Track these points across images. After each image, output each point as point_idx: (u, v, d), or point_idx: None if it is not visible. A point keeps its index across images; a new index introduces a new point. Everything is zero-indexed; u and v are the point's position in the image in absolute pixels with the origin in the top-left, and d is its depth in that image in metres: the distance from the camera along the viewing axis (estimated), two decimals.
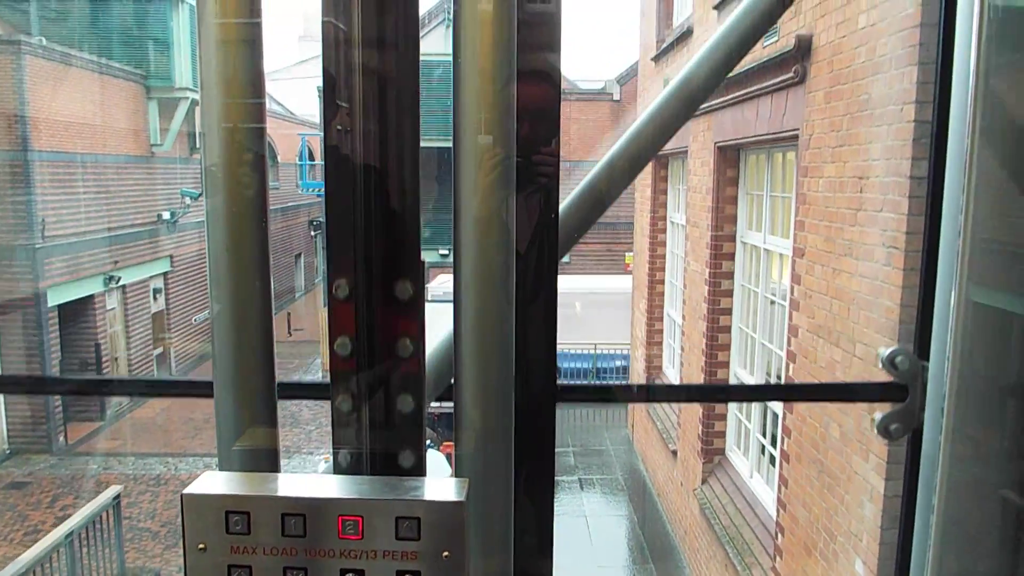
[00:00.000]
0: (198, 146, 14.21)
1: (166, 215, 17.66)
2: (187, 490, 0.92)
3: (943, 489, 1.25)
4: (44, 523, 11.54)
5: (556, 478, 1.28)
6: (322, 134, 1.03)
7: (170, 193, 17.79)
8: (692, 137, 7.66)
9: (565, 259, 1.40)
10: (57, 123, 14.14)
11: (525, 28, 1.02)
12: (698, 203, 7.51)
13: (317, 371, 19.12)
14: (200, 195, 18.92)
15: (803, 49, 4.76)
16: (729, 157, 6.78)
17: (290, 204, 25.41)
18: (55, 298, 13.99)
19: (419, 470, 1.08)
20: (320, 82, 1.01)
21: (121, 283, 15.86)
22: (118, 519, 7.66)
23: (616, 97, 20.55)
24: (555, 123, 1.10)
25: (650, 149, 1.39)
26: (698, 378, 7.57)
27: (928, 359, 1.31)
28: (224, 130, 1.00)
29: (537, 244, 1.12)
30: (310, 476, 0.98)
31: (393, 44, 1.00)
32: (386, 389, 1.07)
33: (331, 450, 1.10)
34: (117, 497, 7.43)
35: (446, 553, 0.89)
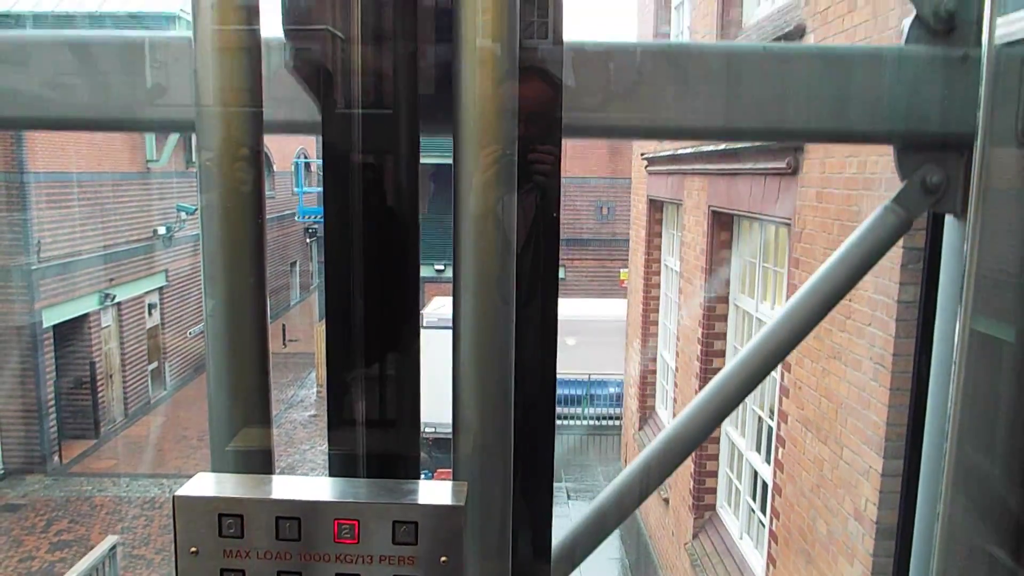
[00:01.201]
0: (194, 159, 14.24)
1: (162, 230, 17.68)
2: (179, 492, 0.90)
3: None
4: (38, 549, 11.58)
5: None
6: (320, 134, 1.02)
7: (166, 208, 17.80)
8: (687, 192, 7.72)
9: (560, 275, 1.39)
10: (54, 143, 14.14)
11: (527, 22, 1.00)
12: (691, 260, 7.57)
13: (312, 385, 19.16)
14: (196, 210, 18.98)
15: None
16: (723, 220, 6.84)
17: (286, 212, 25.38)
18: (51, 318, 14.01)
19: (415, 473, 1.08)
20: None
21: (116, 300, 15.89)
22: (114, 572, 7.69)
23: None
24: (556, 121, 1.10)
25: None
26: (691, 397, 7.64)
27: None
28: (220, 126, 0.98)
29: (535, 243, 1.11)
30: (305, 478, 0.97)
31: (391, 42, 1.00)
32: (382, 391, 1.07)
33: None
34: (113, 548, 7.47)
35: (444, 558, 0.87)
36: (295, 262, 27.73)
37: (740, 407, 6.78)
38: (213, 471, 1.03)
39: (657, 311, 9.79)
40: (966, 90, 1.22)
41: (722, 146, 6.24)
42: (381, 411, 1.07)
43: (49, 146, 14.01)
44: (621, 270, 18.37)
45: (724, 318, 7.05)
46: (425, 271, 16.54)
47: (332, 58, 1.01)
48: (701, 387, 7.15)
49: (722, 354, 7.11)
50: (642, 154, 9.76)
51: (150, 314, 17.64)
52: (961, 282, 1.25)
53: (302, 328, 23.93)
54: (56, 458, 14.25)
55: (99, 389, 15.36)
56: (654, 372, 9.93)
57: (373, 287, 1.04)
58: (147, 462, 14.77)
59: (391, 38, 1.01)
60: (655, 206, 9.52)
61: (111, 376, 16.03)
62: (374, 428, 1.07)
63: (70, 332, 14.85)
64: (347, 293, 1.05)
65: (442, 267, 19.62)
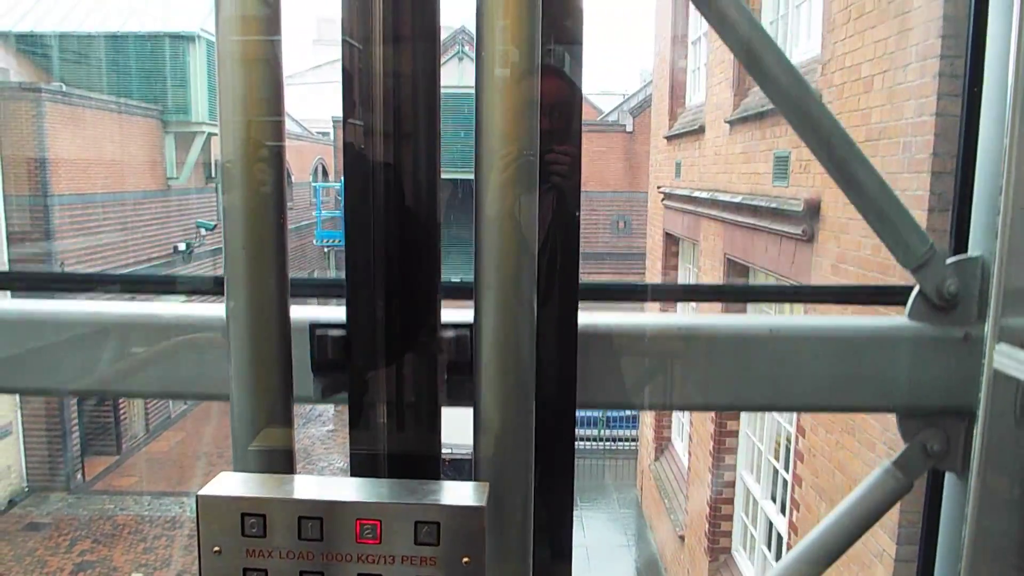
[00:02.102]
0: (214, 176, 14.32)
1: (182, 246, 17.86)
2: (202, 491, 0.90)
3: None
4: (62, 570, 11.79)
5: None
6: (341, 131, 1.03)
7: (186, 224, 18.00)
8: (703, 235, 7.74)
9: None
10: (76, 166, 14.34)
11: (548, 24, 1.00)
12: (708, 306, 7.60)
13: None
14: (215, 226, 19.10)
15: (811, 211, 4.84)
16: (739, 270, 6.87)
17: (303, 222, 25.56)
18: None
19: (435, 474, 1.08)
20: (336, 86, 1.03)
21: None
22: None
23: (629, 128, 20.55)
24: (575, 121, 1.10)
25: None
26: (705, 466, 7.68)
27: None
28: (242, 130, 0.98)
29: (552, 243, 1.10)
30: (327, 478, 0.98)
31: (412, 42, 1.00)
32: (403, 391, 1.07)
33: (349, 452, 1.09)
34: None
35: (466, 559, 0.87)
36: (313, 272, 27.89)
37: (755, 454, 6.81)
38: (235, 471, 1.03)
39: None
40: (967, 367, 1.27)
41: (739, 198, 6.27)
42: (402, 412, 1.07)
43: (72, 169, 14.21)
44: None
45: None
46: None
47: (351, 61, 1.01)
48: (716, 430, 7.19)
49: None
50: (659, 187, 9.78)
51: None
52: (960, 540, 1.30)
53: None
54: (79, 475, 14.47)
55: (121, 406, 15.56)
56: None
57: (393, 288, 1.05)
58: (168, 479, 14.95)
59: (411, 40, 1.01)
60: (671, 239, 9.54)
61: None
62: (395, 429, 1.07)
63: None
64: (368, 294, 1.05)
65: (458, 280, 19.77)
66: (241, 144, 0.98)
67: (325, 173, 27.24)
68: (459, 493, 0.91)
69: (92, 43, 16.42)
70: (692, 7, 9.10)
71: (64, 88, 13.98)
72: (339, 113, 1.02)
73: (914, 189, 3.67)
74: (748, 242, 6.22)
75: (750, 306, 6.35)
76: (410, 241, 1.04)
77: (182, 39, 16.72)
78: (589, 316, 1.26)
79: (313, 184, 21.03)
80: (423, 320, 1.07)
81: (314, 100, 29.71)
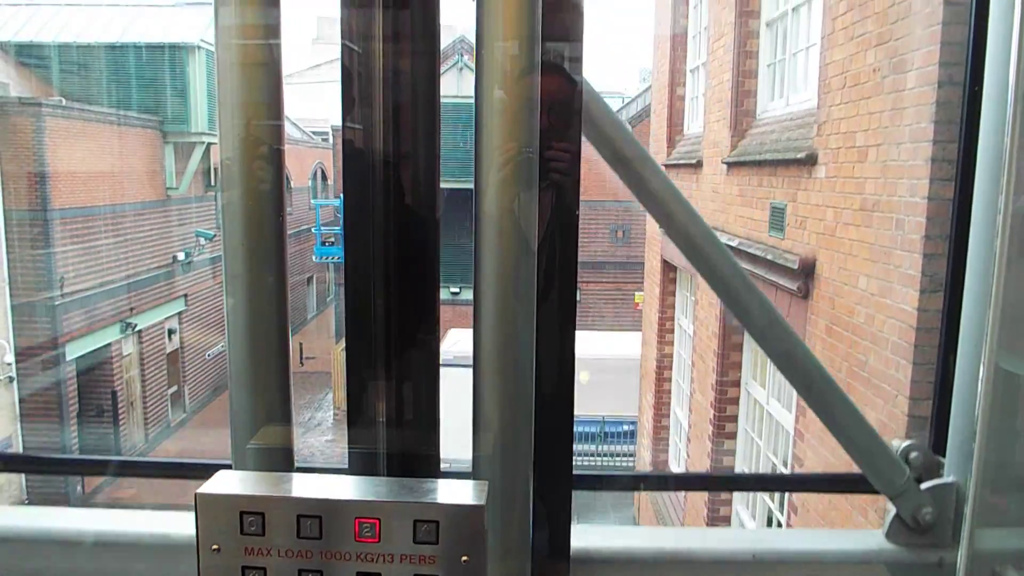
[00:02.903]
0: (213, 184, 14.33)
1: (181, 256, 17.91)
2: (201, 489, 0.90)
3: None
4: None
5: None
6: (340, 133, 1.02)
7: (185, 234, 18.04)
8: None
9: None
10: (76, 179, 14.37)
11: (548, 21, 1.00)
12: (704, 339, 7.66)
13: (329, 407, 19.38)
14: (214, 236, 19.03)
15: (807, 269, 4.89)
16: None
17: (303, 228, 25.60)
18: (74, 352, 14.27)
19: (435, 472, 1.08)
20: (335, 86, 1.01)
21: (137, 328, 16.14)
22: None
23: None
24: (574, 119, 1.10)
25: None
26: (700, 500, 7.75)
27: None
28: (240, 125, 0.98)
29: (551, 242, 1.09)
30: (325, 476, 0.97)
31: (411, 40, 1.01)
32: (401, 390, 1.07)
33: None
34: None
35: (465, 558, 0.87)
36: (311, 276, 27.93)
37: (752, 496, 6.87)
38: (234, 469, 1.03)
39: (671, 368, 9.88)
40: None
41: (736, 241, 6.32)
42: (401, 410, 1.07)
43: (72, 182, 14.24)
44: (636, 293, 18.45)
45: (736, 401, 7.14)
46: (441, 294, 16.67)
47: (351, 61, 1.01)
48: (713, 467, 7.25)
49: (733, 436, 7.20)
50: None
51: (170, 339, 17.88)
52: None
53: (319, 344, 24.12)
54: (79, 488, 14.54)
55: (120, 417, 15.63)
56: (667, 428, 10.02)
57: (392, 286, 1.05)
58: (166, 492, 14.99)
59: (410, 38, 1.02)
60: (668, 267, 9.59)
61: (132, 403, 16.30)
62: (394, 427, 1.07)
63: (92, 363, 15.10)
64: (367, 292, 1.05)
65: (457, 290, 19.80)
66: (240, 142, 0.99)
67: (324, 177, 27.29)
68: (458, 492, 0.90)
69: (92, 53, 16.42)
70: (691, 37, 9.10)
71: (64, 102, 13.99)
72: (338, 115, 1.03)
73: (906, 267, 3.73)
74: None
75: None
76: (409, 239, 1.04)
77: (181, 49, 16.72)
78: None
79: (312, 201, 21.06)
80: (422, 318, 1.07)
81: (313, 100, 29.71)
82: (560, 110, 1.07)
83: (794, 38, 5.98)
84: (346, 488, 0.92)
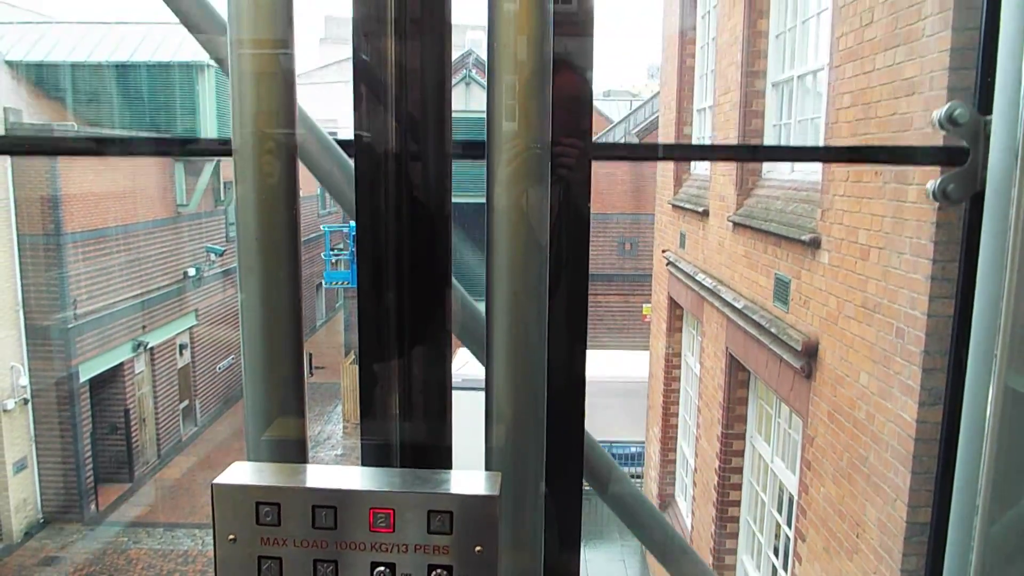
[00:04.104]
0: (223, 199, 14.44)
1: (191, 271, 18.08)
2: (217, 480, 0.91)
3: (1013, 255, 1.23)
4: None
5: None
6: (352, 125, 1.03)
7: (196, 250, 18.21)
8: (706, 316, 7.87)
9: None
10: (88, 202, 14.52)
11: (559, 16, 1.01)
12: (710, 388, 7.74)
13: (339, 420, 19.54)
14: (224, 252, 19.13)
15: (810, 351, 4.97)
16: (740, 368, 7.00)
17: (312, 236, 25.76)
18: (87, 372, 14.45)
19: (447, 463, 1.09)
20: (343, 86, 1.05)
21: (149, 346, 16.33)
22: None
23: None
24: (584, 113, 1.10)
25: None
26: (707, 531, 7.85)
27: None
28: (251, 116, 0.99)
29: (561, 235, 1.10)
30: (340, 467, 0.97)
31: (422, 34, 1.01)
32: (414, 380, 1.08)
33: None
34: None
35: (478, 548, 0.88)
36: (320, 284, 28.09)
37: (755, 542, 6.98)
38: (249, 460, 1.04)
39: (677, 404, 9.97)
40: None
41: (741, 303, 6.40)
42: (413, 401, 1.08)
43: (84, 205, 14.39)
44: (644, 305, 18.54)
45: (740, 454, 7.22)
46: None
47: (362, 55, 1.02)
48: (718, 517, 7.35)
49: (738, 487, 7.30)
50: (664, 251, 9.90)
51: (181, 354, 18.08)
52: None
53: (329, 353, 24.30)
54: (93, 506, 14.75)
55: (133, 434, 15.83)
56: (673, 462, 10.12)
57: (404, 278, 1.06)
58: (180, 509, 15.22)
59: (421, 33, 1.02)
60: (675, 304, 9.67)
61: (144, 420, 16.50)
62: (407, 419, 1.08)
63: (105, 383, 15.30)
64: (378, 284, 1.06)
65: None
66: (253, 135, 1.00)
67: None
68: (472, 482, 0.91)
69: (103, 73, 16.55)
70: (698, 76, 9.12)
71: (76, 127, 14.12)
72: (347, 115, 1.03)
73: (906, 377, 3.80)
74: (750, 349, 6.35)
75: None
76: (420, 232, 1.05)
77: (191, 68, 16.84)
78: None
79: (323, 227, 21.16)
80: (434, 310, 1.08)
81: (321, 100, 29.83)
82: (569, 104, 1.08)
83: (800, 104, 6.04)
84: (360, 479, 0.93)
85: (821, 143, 5.23)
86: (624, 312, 20.95)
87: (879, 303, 4.08)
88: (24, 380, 13.63)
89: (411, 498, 0.88)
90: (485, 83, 1.00)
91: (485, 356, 1.04)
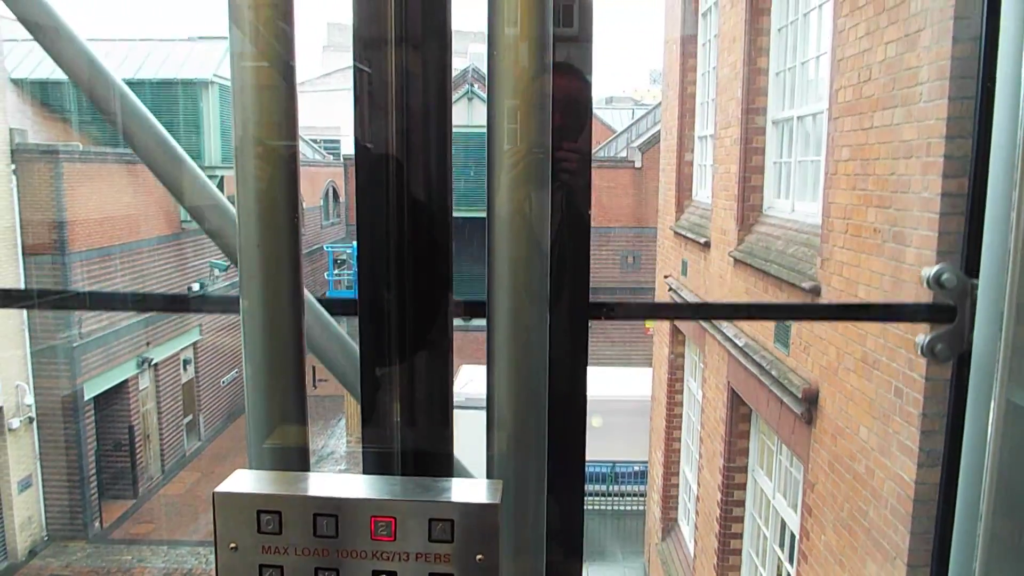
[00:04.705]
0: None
1: (195, 287, 18.15)
2: (219, 488, 0.90)
3: (998, 414, 1.22)
4: None
5: None
6: (352, 138, 1.04)
7: (200, 265, 18.29)
8: (707, 348, 7.90)
9: None
10: (92, 220, 14.60)
11: (559, 21, 1.02)
12: (712, 420, 7.77)
13: (342, 435, 19.58)
14: (228, 267, 19.21)
15: (810, 399, 5.00)
16: (741, 404, 7.02)
17: (314, 247, 25.84)
18: (92, 390, 14.53)
19: (448, 471, 1.09)
20: (345, 94, 1.02)
21: (153, 362, 16.40)
22: None
23: (638, 164, 20.64)
24: (584, 119, 1.10)
25: None
26: (710, 561, 7.87)
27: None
28: (253, 123, 0.99)
29: (562, 241, 1.10)
30: (341, 475, 0.97)
31: (423, 41, 1.01)
32: (415, 389, 1.08)
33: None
34: None
35: (480, 556, 0.87)
36: (322, 296, 28.14)
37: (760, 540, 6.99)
38: (250, 468, 1.04)
39: (679, 428, 9.99)
40: None
41: (743, 341, 6.43)
42: (414, 409, 1.08)
43: (89, 224, 14.46)
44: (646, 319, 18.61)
45: (743, 487, 7.25)
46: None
47: (363, 66, 1.03)
48: (720, 548, 7.37)
49: (741, 519, 7.32)
50: (666, 276, 9.93)
51: (185, 369, 18.15)
52: None
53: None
54: (97, 523, 14.81)
55: (137, 450, 15.91)
56: (676, 486, 10.14)
57: (405, 286, 1.05)
58: (184, 527, 15.29)
59: (422, 38, 1.02)
60: (677, 328, 9.70)
61: (148, 436, 16.57)
62: (408, 426, 1.08)
63: (110, 399, 15.38)
64: (379, 292, 1.06)
65: (468, 317, 19.98)
66: (254, 144, 0.99)
67: (336, 196, 27.51)
68: (473, 490, 0.91)
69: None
70: (699, 103, 9.15)
71: (81, 147, 14.20)
72: (348, 123, 1.05)
73: (904, 437, 3.83)
74: (751, 387, 6.38)
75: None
76: (421, 239, 1.05)
77: (195, 85, 16.93)
78: None
79: (325, 247, 21.25)
80: (434, 318, 1.08)
81: (324, 108, 29.87)
82: (570, 110, 1.07)
83: (801, 144, 6.07)
84: (361, 487, 0.92)
85: (821, 186, 5.26)
86: (626, 325, 20.96)
87: (878, 360, 4.11)
88: (29, 399, 13.70)
89: (412, 506, 0.88)
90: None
91: (486, 362, 1.03)
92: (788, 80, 6.32)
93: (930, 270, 1.48)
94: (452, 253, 1.07)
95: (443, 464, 1.09)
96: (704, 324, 7.83)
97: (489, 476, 1.02)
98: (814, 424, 5.03)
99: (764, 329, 6.08)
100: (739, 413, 7.14)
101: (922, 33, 3.71)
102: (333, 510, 0.89)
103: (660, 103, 18.60)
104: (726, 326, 6.94)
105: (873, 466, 4.17)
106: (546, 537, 1.08)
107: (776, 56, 6.50)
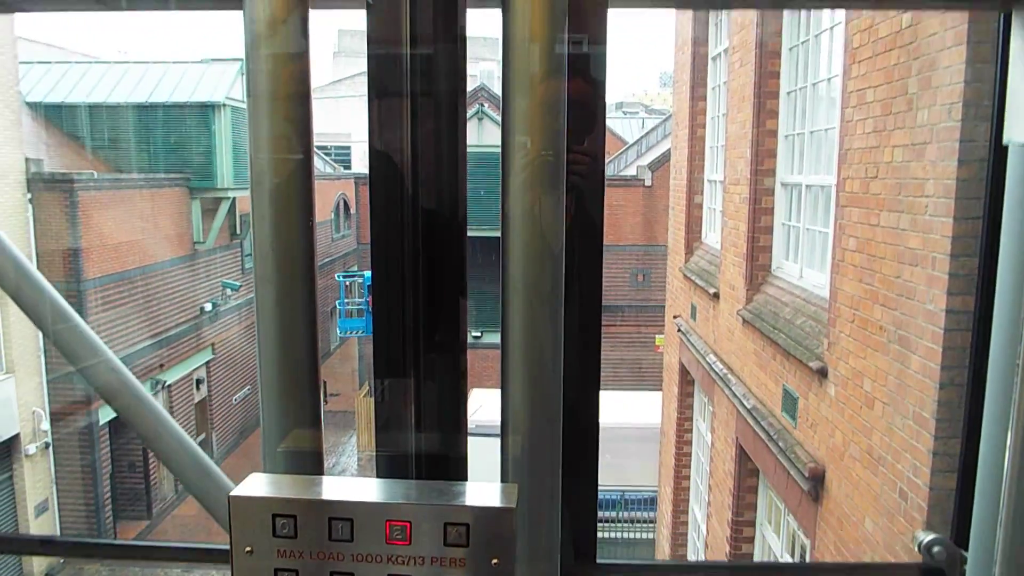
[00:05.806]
0: (239, 232, 14.50)
1: (208, 307, 18.32)
2: (234, 492, 0.91)
3: None
4: None
5: None
6: (367, 140, 1.05)
7: (212, 285, 18.45)
8: (716, 401, 7.96)
9: None
10: (107, 246, 14.76)
11: (573, 23, 1.01)
12: (720, 471, 7.83)
13: (354, 452, 19.73)
14: (240, 286, 19.25)
15: (816, 480, 5.06)
16: (749, 463, 7.09)
17: (324, 261, 25.98)
18: (106, 415, 14.70)
19: (463, 475, 1.09)
20: (356, 101, 1.09)
21: (167, 384, 16.57)
22: None
23: (648, 183, 20.68)
24: (596, 122, 1.11)
25: None
26: None
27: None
28: (266, 124, 0.99)
29: (574, 243, 1.09)
30: (356, 479, 0.96)
31: (437, 47, 1.02)
32: (430, 391, 1.08)
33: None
34: None
35: (495, 560, 0.87)
36: (333, 308, 28.30)
37: None
38: (265, 472, 1.05)
39: (689, 466, 10.06)
40: None
41: (751, 403, 6.49)
42: (429, 413, 1.08)
43: (103, 250, 14.62)
44: (657, 336, 18.61)
45: (751, 540, 7.31)
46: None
47: (377, 75, 1.03)
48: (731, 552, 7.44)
49: (749, 557, 7.39)
50: (675, 316, 10.00)
51: (198, 388, 18.32)
52: None
53: (342, 377, 24.50)
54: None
55: (151, 472, 16.09)
56: (685, 523, 10.21)
57: (419, 291, 1.06)
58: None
59: (436, 46, 1.03)
60: (685, 379, 9.76)
61: None
62: (422, 430, 1.08)
63: (124, 424, 15.54)
64: (394, 297, 1.06)
65: (479, 334, 20.05)
66: (268, 144, 1.00)
67: (347, 208, 27.63)
68: (488, 494, 0.90)
69: (121, 113, 16.79)
70: (708, 147, 9.19)
71: (95, 175, 14.37)
72: (359, 130, 1.13)
73: (908, 539, 3.90)
74: (759, 449, 6.44)
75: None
76: (435, 246, 1.06)
77: (208, 107, 17.07)
78: None
79: (337, 277, 21.38)
80: (448, 323, 1.08)
81: (335, 115, 30.04)
82: (583, 113, 1.08)
83: (810, 212, 6.12)
84: (376, 491, 0.92)
85: (829, 262, 5.30)
86: (636, 342, 21.02)
87: (883, 457, 4.17)
88: (45, 425, 13.88)
89: (427, 510, 0.88)
90: (499, 118, 1.07)
91: (500, 363, 1.03)
92: (798, 145, 6.36)
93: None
94: (466, 258, 1.08)
95: (458, 468, 1.10)
96: (713, 375, 7.89)
97: (503, 480, 1.03)
98: (821, 504, 5.09)
99: (772, 395, 6.14)
100: (747, 468, 7.20)
101: (928, 147, 3.76)
102: (348, 514, 0.89)
103: (670, 115, 18.63)
104: (735, 383, 7.00)
105: (879, 560, 4.23)
106: (561, 541, 1.08)
107: (785, 119, 6.55)
